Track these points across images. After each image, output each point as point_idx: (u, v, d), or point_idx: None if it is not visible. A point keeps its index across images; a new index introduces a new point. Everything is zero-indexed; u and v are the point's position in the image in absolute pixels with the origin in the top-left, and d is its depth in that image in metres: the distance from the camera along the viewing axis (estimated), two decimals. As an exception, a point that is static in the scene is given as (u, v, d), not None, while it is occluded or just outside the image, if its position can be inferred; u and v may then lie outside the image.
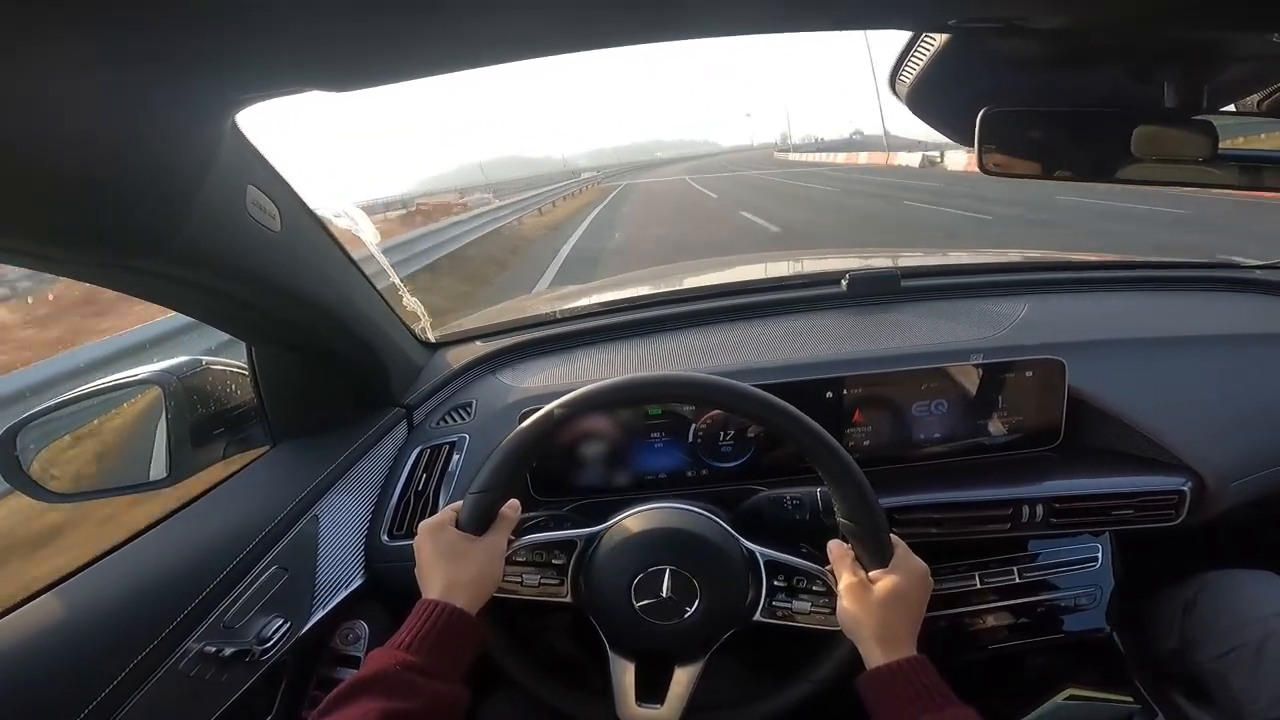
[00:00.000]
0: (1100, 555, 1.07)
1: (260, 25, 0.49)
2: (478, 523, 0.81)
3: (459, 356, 1.33)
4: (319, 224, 0.95)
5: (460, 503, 0.83)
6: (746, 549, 0.86)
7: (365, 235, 1.07)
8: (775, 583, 0.84)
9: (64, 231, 0.60)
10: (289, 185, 0.85)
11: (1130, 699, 1.00)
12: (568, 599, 0.86)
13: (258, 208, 0.76)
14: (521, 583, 0.85)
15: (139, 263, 0.68)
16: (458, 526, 0.81)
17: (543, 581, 0.86)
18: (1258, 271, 1.39)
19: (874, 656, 0.75)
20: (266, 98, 0.61)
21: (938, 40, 0.70)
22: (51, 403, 0.98)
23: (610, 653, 0.86)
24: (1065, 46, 0.67)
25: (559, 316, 1.41)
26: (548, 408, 0.84)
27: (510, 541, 0.84)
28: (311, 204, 0.90)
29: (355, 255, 1.04)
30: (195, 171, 0.65)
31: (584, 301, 1.49)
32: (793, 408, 0.83)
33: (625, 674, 0.86)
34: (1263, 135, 0.78)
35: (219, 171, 0.68)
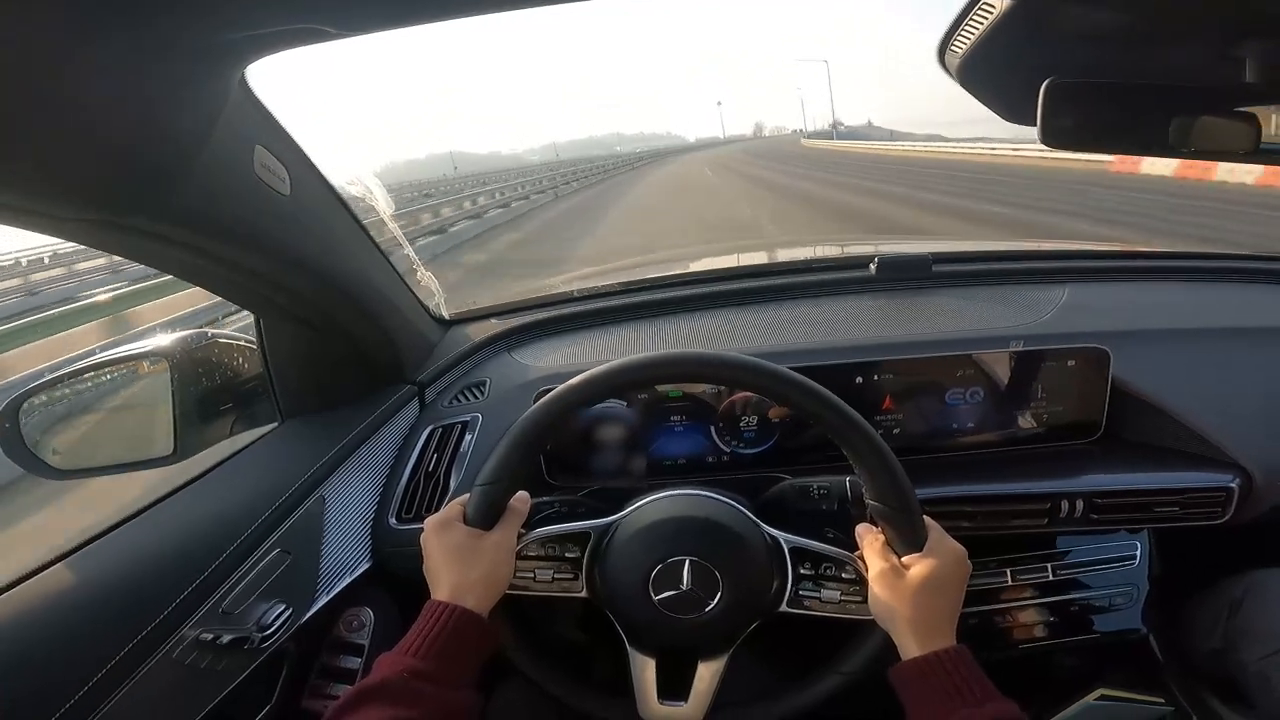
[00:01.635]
0: (1138, 553, 1.04)
1: None
2: (486, 517, 0.78)
3: (473, 334, 1.30)
4: (330, 190, 0.92)
5: (467, 496, 0.80)
6: (770, 536, 0.82)
7: (379, 205, 1.03)
8: (801, 571, 0.80)
9: (62, 186, 0.57)
10: (300, 148, 0.82)
11: (1163, 701, 0.97)
12: (583, 594, 0.82)
13: (266, 169, 0.73)
14: (534, 579, 0.82)
15: (139, 222, 0.65)
16: (465, 521, 0.78)
17: (556, 576, 0.82)
18: None
19: (910, 647, 0.71)
20: (272, 46, 0.58)
21: (997, 7, 0.66)
22: (55, 376, 0.96)
23: (629, 649, 0.83)
24: (1138, 16, 0.62)
25: (578, 295, 1.38)
26: (558, 390, 0.80)
27: (520, 535, 0.81)
28: (323, 169, 0.87)
29: (368, 225, 1.01)
30: (200, 126, 0.62)
31: (603, 281, 1.45)
32: (817, 385, 0.78)
33: (646, 671, 0.82)
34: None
35: (225, 128, 0.65)
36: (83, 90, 0.51)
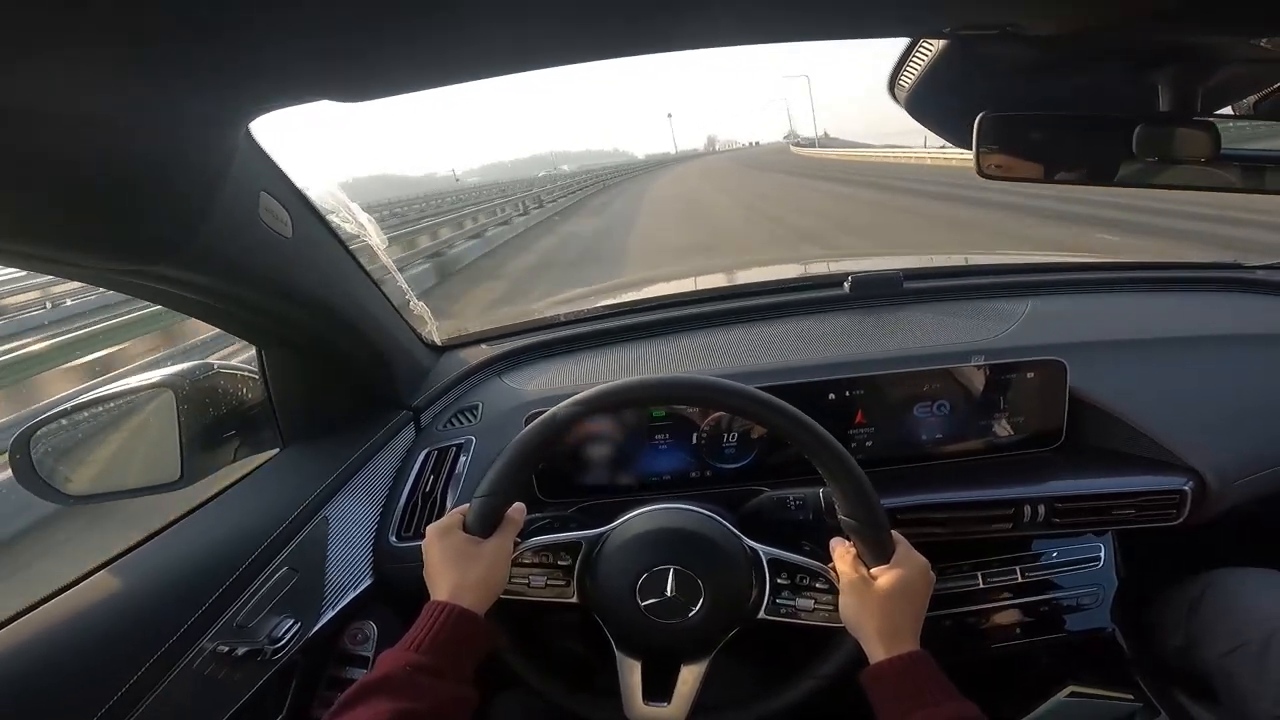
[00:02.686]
0: (1102, 555, 1.08)
1: (274, 37, 0.50)
2: (484, 525, 0.83)
3: (465, 359, 1.34)
4: (329, 230, 0.97)
5: (467, 506, 0.85)
6: (749, 547, 0.87)
7: (372, 241, 1.08)
8: (778, 580, 0.85)
9: (81, 238, 0.61)
10: (300, 192, 0.86)
11: (1132, 697, 1.00)
12: (574, 599, 0.87)
13: (270, 214, 0.78)
14: (529, 584, 0.87)
15: (154, 268, 0.69)
16: (464, 529, 0.83)
17: (549, 583, 0.87)
18: (1260, 272, 1.39)
19: (876, 652, 0.76)
20: (281, 106, 0.62)
21: (935, 46, 0.71)
22: (65, 407, 1.00)
23: (617, 652, 0.87)
24: (1060, 52, 0.68)
25: (564, 319, 1.42)
26: (551, 411, 0.85)
27: (516, 544, 0.86)
28: (322, 210, 0.92)
29: (362, 260, 1.05)
30: (210, 179, 0.66)
31: (589, 305, 1.50)
32: (790, 406, 0.84)
33: (632, 673, 0.87)
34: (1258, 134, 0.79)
35: (233, 179, 0.69)
36: (103, 152, 0.55)
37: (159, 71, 0.51)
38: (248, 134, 0.70)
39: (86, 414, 1.03)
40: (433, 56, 0.57)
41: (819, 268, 1.83)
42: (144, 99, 0.54)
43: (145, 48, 0.47)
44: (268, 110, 0.63)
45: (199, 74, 0.54)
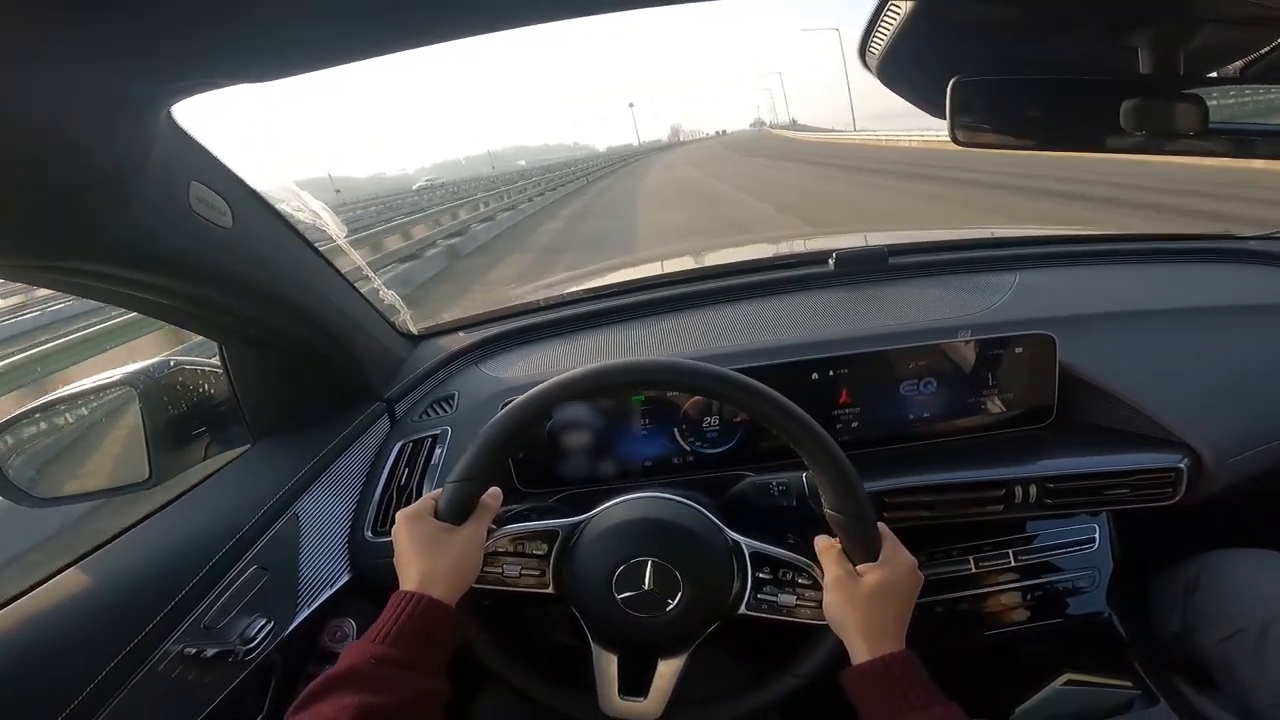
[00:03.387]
0: (1097, 536, 1.05)
1: (185, 15, 0.47)
2: (456, 512, 0.80)
3: (441, 348, 1.32)
4: (278, 218, 0.94)
5: (439, 491, 0.82)
6: (731, 540, 0.84)
7: (331, 229, 1.05)
8: (761, 575, 0.83)
9: None
10: (240, 180, 0.83)
11: (1130, 684, 0.98)
12: (550, 590, 0.84)
13: (204, 204, 0.74)
14: (502, 574, 0.84)
15: (73, 263, 0.66)
16: (436, 516, 0.80)
17: (524, 572, 0.84)
18: (1252, 242, 1.35)
19: (860, 651, 0.74)
20: (198, 90, 0.59)
21: (905, 6, 0.68)
22: (27, 408, 0.99)
23: (593, 645, 0.85)
24: (1036, 12, 0.64)
25: (543, 304, 1.40)
26: (526, 395, 0.83)
27: (491, 531, 0.83)
28: (268, 199, 0.89)
29: (323, 249, 1.03)
30: (128, 167, 0.63)
31: (568, 289, 1.47)
32: (775, 393, 0.80)
33: (608, 666, 0.85)
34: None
35: (156, 167, 0.66)
36: (5, 136, 0.52)
37: (65, 48, 0.48)
38: (169, 119, 0.67)
39: (50, 416, 1.01)
40: (353, 28, 0.54)
41: (803, 245, 1.79)
42: (48, 77, 0.51)
43: (49, 21, 0.44)
44: (187, 94, 0.60)
45: (107, 53, 0.51)
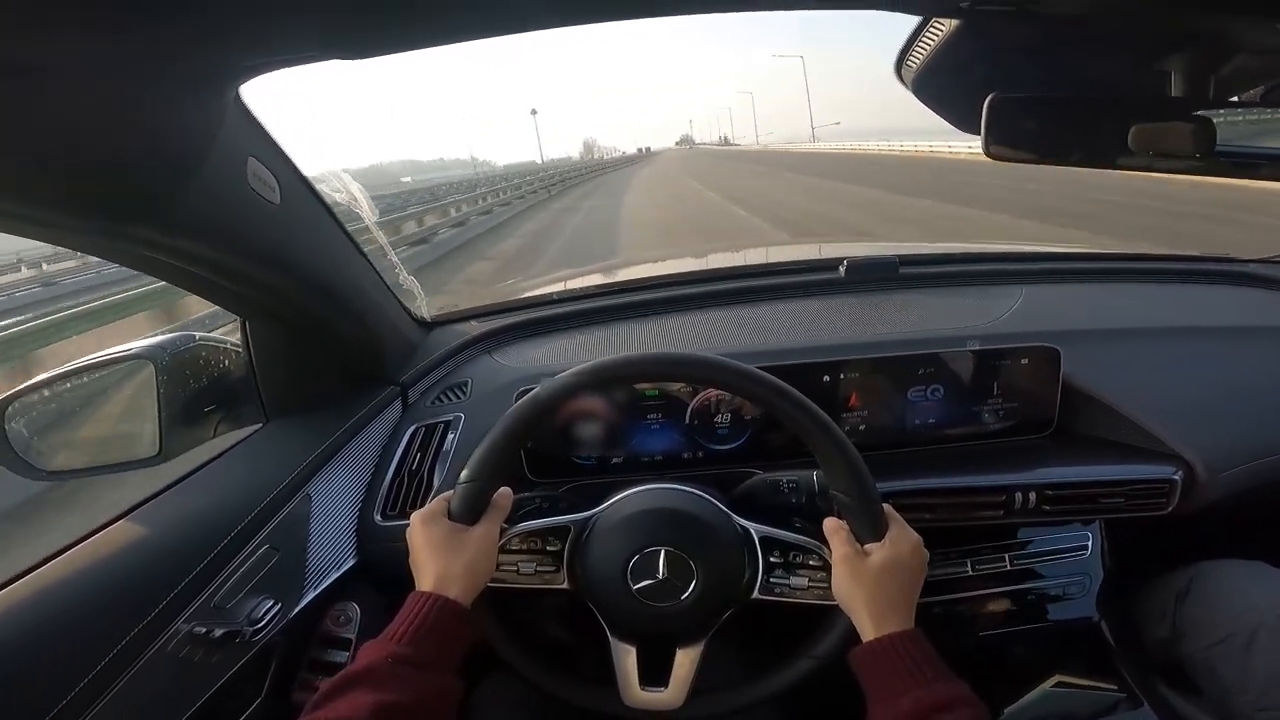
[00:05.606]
0: (1090, 544, 1.09)
1: None
2: (469, 512, 0.81)
3: (454, 336, 1.33)
4: (318, 199, 0.94)
5: (451, 491, 0.83)
6: (741, 526, 0.86)
7: (363, 212, 1.05)
8: (771, 559, 0.84)
9: (67, 197, 0.59)
10: (289, 159, 0.84)
11: (1116, 688, 1.00)
12: (565, 585, 0.85)
13: (258, 180, 0.75)
14: (518, 571, 0.85)
15: (139, 231, 0.67)
16: (449, 517, 0.81)
17: (539, 569, 0.85)
18: (1253, 265, 1.40)
19: (867, 630, 0.75)
20: (273, 67, 0.60)
21: (946, 26, 0.70)
22: (40, 378, 0.97)
23: (611, 638, 0.86)
24: (1074, 34, 0.67)
25: (556, 297, 1.41)
26: (535, 390, 0.83)
27: (503, 530, 0.84)
28: (311, 178, 0.89)
29: (352, 231, 1.03)
30: (199, 142, 0.64)
31: (580, 283, 1.48)
32: (779, 381, 0.82)
33: (627, 658, 0.85)
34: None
35: (222, 143, 0.67)
36: (87, 111, 0.53)
37: (146, 29, 0.49)
38: (237, 98, 0.68)
39: (63, 386, 1.00)
40: (433, 12, 0.55)
41: (814, 251, 1.82)
42: (131, 57, 0.52)
43: (133, 5, 0.45)
44: (260, 71, 0.61)
45: (187, 33, 0.51)
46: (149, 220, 0.66)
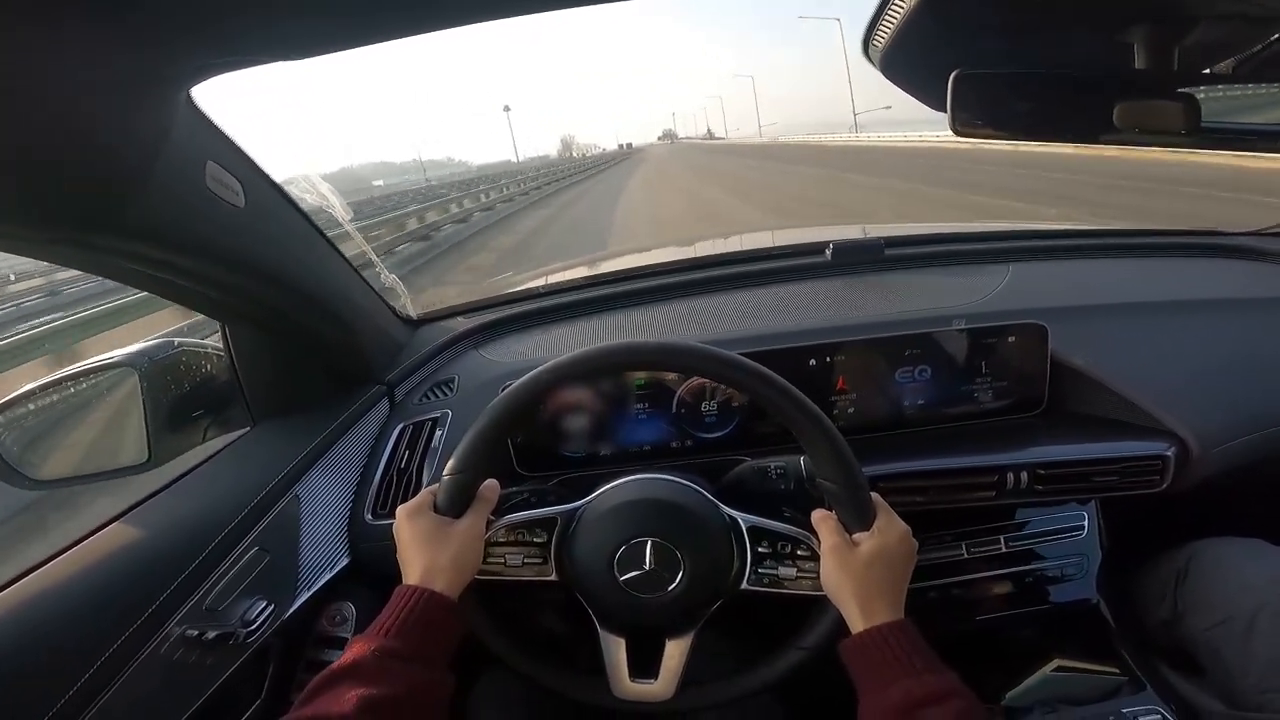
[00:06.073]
0: (1086, 523, 1.08)
1: None
2: (455, 505, 0.81)
3: (440, 333, 1.33)
4: (286, 200, 0.94)
5: (437, 485, 0.83)
6: (728, 516, 0.85)
7: (338, 213, 1.05)
8: (759, 549, 0.83)
9: (14, 207, 0.59)
10: (252, 161, 0.83)
11: (1117, 670, 1.00)
12: (554, 577, 0.85)
13: (219, 183, 0.75)
14: (505, 563, 0.84)
15: (93, 239, 0.67)
16: (435, 510, 0.81)
17: (526, 561, 0.85)
18: (1240, 239, 1.38)
19: (856, 620, 0.75)
20: (224, 69, 0.60)
21: (908, 3, 0.69)
22: (25, 389, 0.98)
23: (600, 630, 0.86)
24: (1033, 9, 0.66)
25: (542, 291, 1.41)
26: (518, 382, 0.83)
27: (490, 522, 0.84)
28: (278, 180, 0.89)
29: (329, 233, 1.03)
30: (149, 146, 0.63)
31: (566, 276, 1.48)
32: (763, 368, 0.81)
33: (617, 650, 0.85)
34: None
35: (175, 146, 0.66)
36: (31, 113, 0.52)
37: (87, 31, 0.49)
38: (189, 99, 0.68)
39: (49, 396, 1.01)
40: (384, 5, 0.54)
41: (800, 235, 1.81)
42: (71, 58, 0.52)
43: (71, 5, 0.44)
44: (210, 74, 0.60)
45: (128, 33, 0.51)
46: (106, 227, 0.65)
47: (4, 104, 0.50)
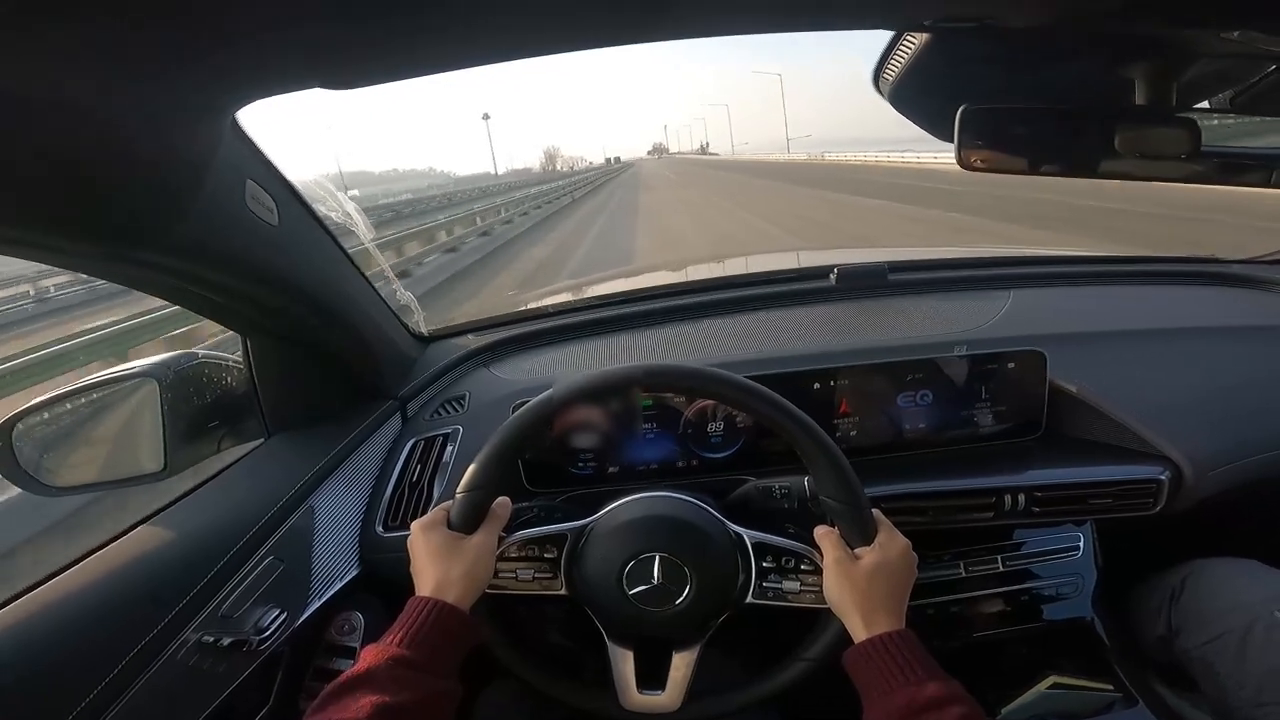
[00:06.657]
0: (1081, 544, 1.10)
1: (262, 26, 0.50)
2: (468, 521, 0.83)
3: (452, 350, 1.35)
4: (315, 219, 0.97)
5: (451, 501, 0.85)
6: (734, 532, 0.87)
7: (361, 230, 1.08)
8: (764, 564, 0.85)
9: (68, 223, 0.61)
10: (286, 180, 0.86)
11: (1111, 687, 1.01)
12: (563, 592, 0.87)
13: (256, 202, 0.78)
14: (516, 578, 0.87)
15: (140, 255, 0.69)
16: (449, 526, 0.83)
17: (536, 575, 0.87)
18: (1236, 266, 1.42)
19: (859, 631, 0.77)
20: (268, 95, 0.62)
21: (918, 40, 0.72)
22: (46, 397, 0.99)
23: (608, 642, 0.88)
24: (1038, 46, 0.69)
25: (552, 310, 1.43)
26: (532, 402, 0.85)
27: (502, 538, 0.86)
28: (308, 199, 0.92)
29: (349, 249, 1.05)
30: (196, 167, 0.66)
31: (575, 296, 1.51)
32: (766, 389, 0.84)
33: (625, 663, 0.87)
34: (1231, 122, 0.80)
35: (219, 167, 0.69)
36: (97, 140, 0.55)
37: (144, 59, 0.52)
38: (234, 122, 0.71)
39: (69, 404, 1.02)
40: (423, 44, 0.57)
41: (805, 259, 1.84)
42: (129, 86, 0.54)
43: (131, 34, 0.47)
44: (255, 98, 0.63)
45: (184, 62, 0.54)
46: (151, 244, 0.68)
47: (75, 133, 0.53)
